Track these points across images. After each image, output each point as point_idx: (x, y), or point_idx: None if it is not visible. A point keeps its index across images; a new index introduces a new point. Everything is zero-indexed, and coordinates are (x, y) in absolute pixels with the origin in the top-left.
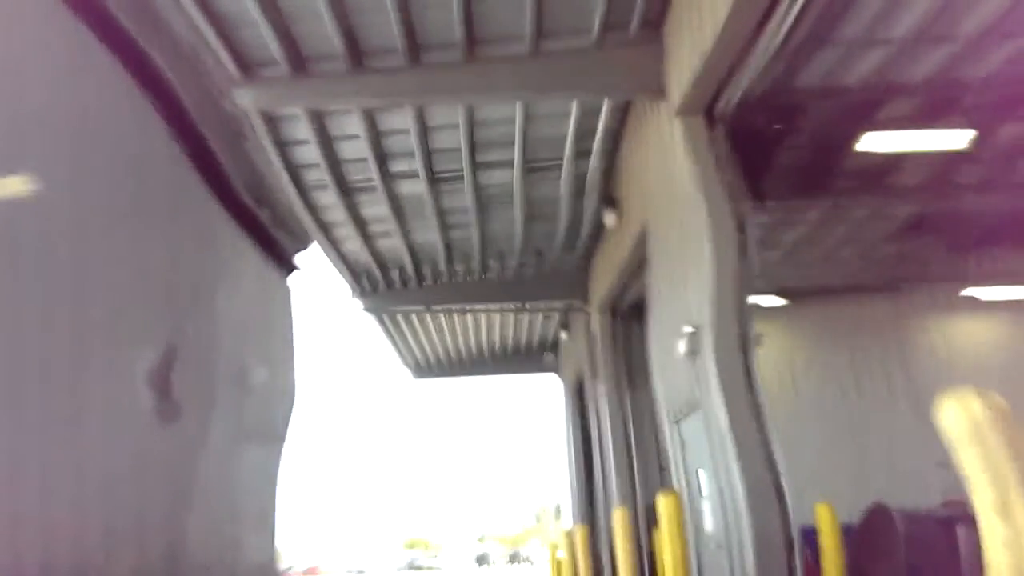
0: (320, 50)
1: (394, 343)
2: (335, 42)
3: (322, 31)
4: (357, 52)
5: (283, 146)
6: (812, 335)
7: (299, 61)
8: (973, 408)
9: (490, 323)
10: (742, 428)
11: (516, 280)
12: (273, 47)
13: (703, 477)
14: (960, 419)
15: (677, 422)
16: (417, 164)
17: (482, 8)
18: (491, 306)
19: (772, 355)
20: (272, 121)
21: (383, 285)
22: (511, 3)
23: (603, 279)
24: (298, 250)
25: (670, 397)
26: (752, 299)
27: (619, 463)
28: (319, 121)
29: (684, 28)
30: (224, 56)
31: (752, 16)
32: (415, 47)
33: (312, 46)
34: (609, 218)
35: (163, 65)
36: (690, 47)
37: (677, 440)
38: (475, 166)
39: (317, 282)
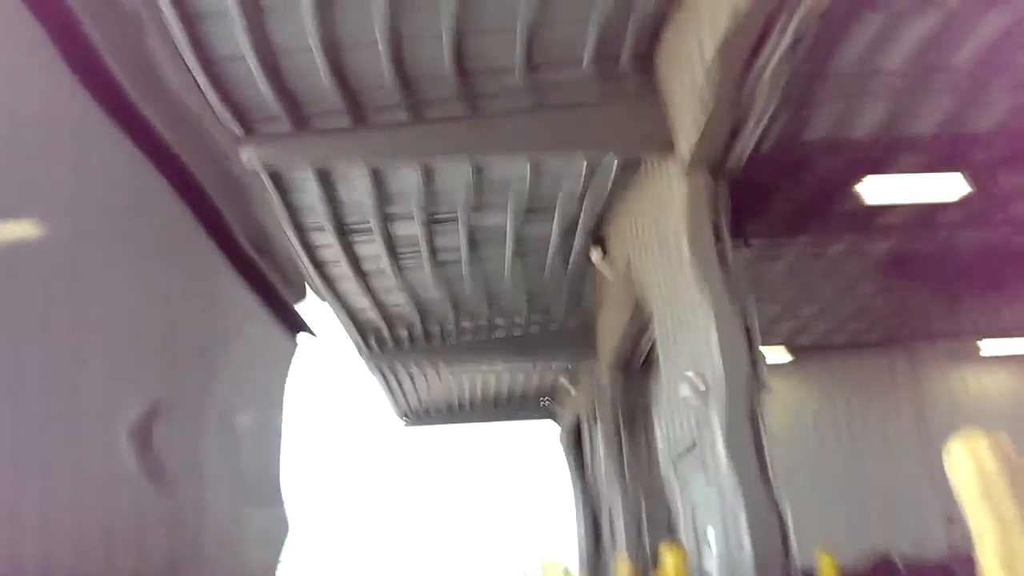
0: (321, 106)
1: (389, 391)
2: (336, 98)
3: (321, 87)
4: (358, 109)
5: (292, 209)
6: (816, 388)
7: (300, 118)
8: (980, 451)
9: (487, 378)
10: (749, 481)
11: (523, 337)
12: (273, 105)
13: (711, 534)
14: (967, 462)
15: (675, 462)
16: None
17: (477, 57)
18: (497, 365)
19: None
20: (278, 179)
21: (391, 343)
22: (504, 47)
23: (609, 335)
24: (296, 302)
25: (672, 445)
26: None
27: (616, 506)
28: (327, 183)
29: (681, 80)
30: (225, 113)
31: (738, 58)
32: (416, 103)
33: (313, 102)
34: (607, 269)
35: (166, 125)
36: (691, 99)
37: (675, 480)
38: (473, 216)
39: (317, 331)
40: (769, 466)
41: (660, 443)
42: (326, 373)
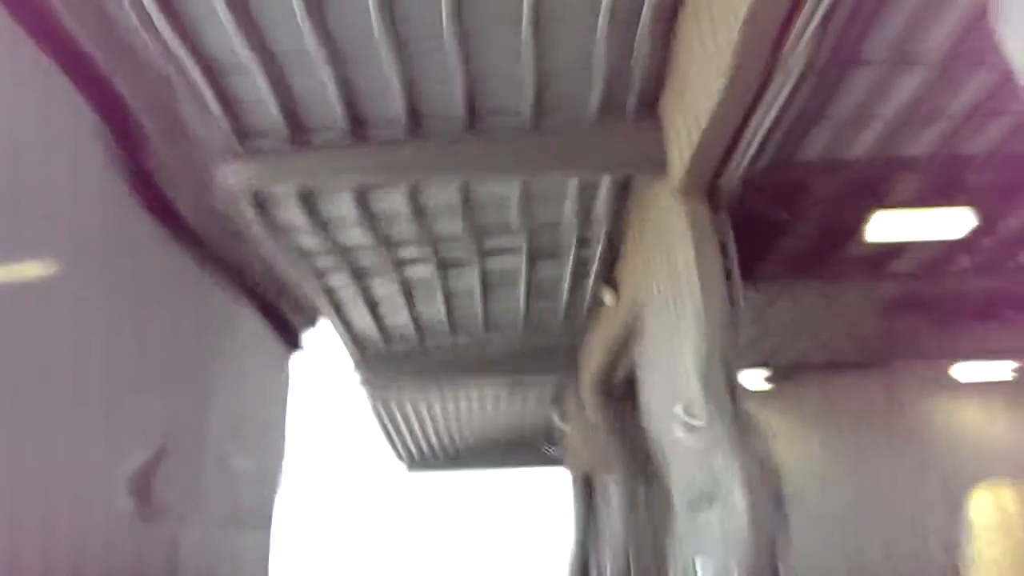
0: (320, 120)
1: (389, 433)
2: (336, 113)
3: (325, 101)
4: (359, 122)
5: (289, 231)
6: (805, 415)
7: (298, 130)
8: (1004, 499)
9: (485, 408)
10: (757, 520)
11: (513, 353)
12: (274, 115)
13: (699, 563)
14: (990, 508)
15: (681, 508)
16: (426, 250)
17: (483, 84)
18: (486, 381)
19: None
20: (271, 207)
21: (385, 352)
22: (511, 80)
23: (594, 356)
24: (306, 328)
25: (676, 481)
26: (745, 381)
27: (618, 551)
28: (318, 207)
29: (680, 105)
30: (223, 125)
31: (746, 93)
32: (416, 120)
33: (312, 116)
34: (609, 297)
35: (163, 151)
36: (687, 123)
37: (679, 524)
38: (482, 252)
39: (319, 373)
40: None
41: (672, 485)
42: (328, 415)
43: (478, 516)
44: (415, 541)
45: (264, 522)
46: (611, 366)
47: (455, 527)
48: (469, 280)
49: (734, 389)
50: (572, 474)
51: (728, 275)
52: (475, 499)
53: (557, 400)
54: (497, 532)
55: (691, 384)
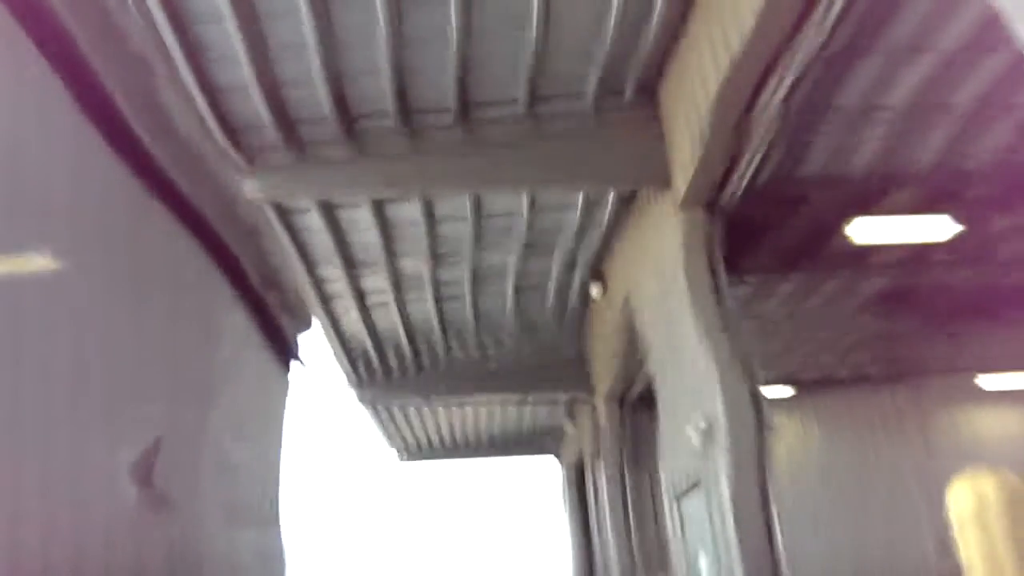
0: (320, 136)
1: (384, 428)
2: (335, 126)
3: (321, 114)
4: (355, 135)
5: (293, 231)
6: (818, 422)
7: (300, 147)
8: (984, 488)
9: (490, 412)
10: (746, 512)
11: (515, 366)
12: (273, 132)
13: (702, 558)
14: (968, 499)
15: (678, 499)
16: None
17: (478, 77)
18: (493, 397)
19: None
20: (282, 210)
21: (379, 368)
22: (506, 76)
23: (604, 368)
24: (299, 332)
25: (674, 478)
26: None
27: (619, 542)
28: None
29: (681, 113)
30: (221, 136)
31: (743, 94)
32: (416, 131)
33: (312, 132)
34: (597, 291)
35: (166, 153)
36: (688, 130)
37: (678, 518)
38: (479, 250)
39: (313, 365)
40: (771, 503)
41: (663, 481)
42: (322, 407)
43: (469, 500)
44: (408, 527)
45: (271, 518)
46: (624, 378)
47: (447, 512)
48: (461, 278)
49: (754, 398)
50: (565, 464)
51: (720, 297)
52: (466, 484)
53: (570, 411)
54: (488, 515)
55: (704, 390)
